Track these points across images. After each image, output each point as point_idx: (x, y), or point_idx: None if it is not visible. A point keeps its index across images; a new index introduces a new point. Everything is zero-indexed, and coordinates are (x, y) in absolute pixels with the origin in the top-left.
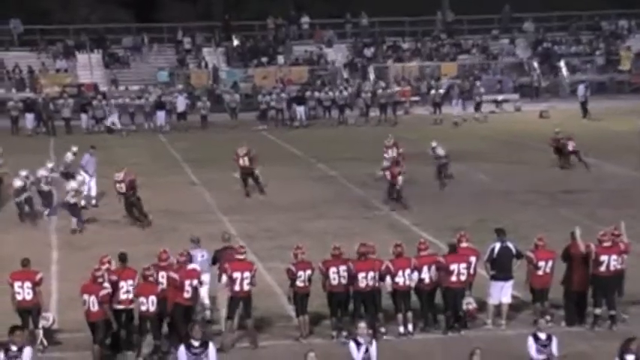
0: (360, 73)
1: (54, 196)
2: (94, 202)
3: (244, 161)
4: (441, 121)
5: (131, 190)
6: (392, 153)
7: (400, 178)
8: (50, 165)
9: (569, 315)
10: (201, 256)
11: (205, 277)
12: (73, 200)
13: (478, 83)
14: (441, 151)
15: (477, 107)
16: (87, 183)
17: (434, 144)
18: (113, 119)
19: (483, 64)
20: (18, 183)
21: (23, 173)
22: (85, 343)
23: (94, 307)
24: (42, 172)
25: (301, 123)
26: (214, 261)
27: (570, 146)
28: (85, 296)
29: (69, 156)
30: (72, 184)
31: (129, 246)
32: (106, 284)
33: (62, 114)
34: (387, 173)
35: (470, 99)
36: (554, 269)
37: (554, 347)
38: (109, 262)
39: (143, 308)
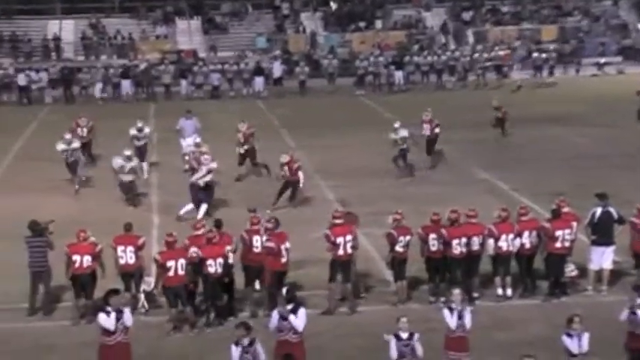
0: (458, 37)
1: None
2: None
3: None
4: (541, 85)
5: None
6: (426, 129)
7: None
8: (128, 152)
9: None
10: None
11: None
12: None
13: (534, 46)
14: (403, 133)
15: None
16: (182, 146)
17: (396, 125)
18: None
19: (585, 27)
20: (118, 162)
21: (127, 152)
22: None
23: (181, 272)
24: (119, 162)
25: (399, 88)
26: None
27: None
28: (171, 262)
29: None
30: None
31: (225, 210)
32: (193, 251)
33: (162, 80)
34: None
35: (571, 62)
36: None
37: None
38: (204, 227)
39: (211, 270)
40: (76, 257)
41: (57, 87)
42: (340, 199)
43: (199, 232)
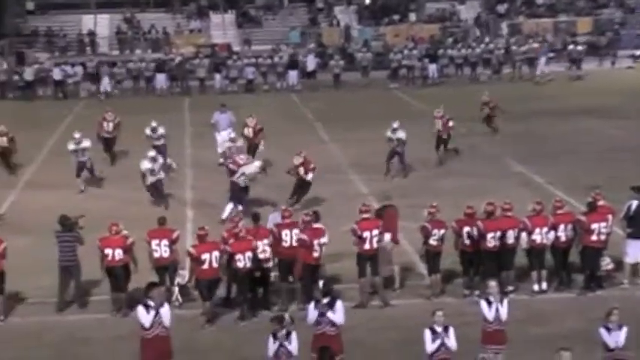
0: (492, 29)
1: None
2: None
3: (249, 132)
4: (578, 77)
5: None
6: (438, 125)
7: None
8: (152, 153)
9: None
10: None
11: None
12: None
13: (569, 39)
14: (401, 134)
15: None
16: (217, 140)
17: (395, 125)
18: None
19: (620, 19)
20: (146, 165)
21: (151, 154)
22: (215, 300)
23: (215, 265)
24: (147, 164)
25: (433, 81)
26: (376, 218)
27: None
28: (205, 255)
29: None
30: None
31: (259, 204)
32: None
33: (197, 74)
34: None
35: (607, 55)
36: None
37: None
38: (240, 221)
39: (240, 265)
40: (108, 251)
41: (93, 81)
42: (382, 191)
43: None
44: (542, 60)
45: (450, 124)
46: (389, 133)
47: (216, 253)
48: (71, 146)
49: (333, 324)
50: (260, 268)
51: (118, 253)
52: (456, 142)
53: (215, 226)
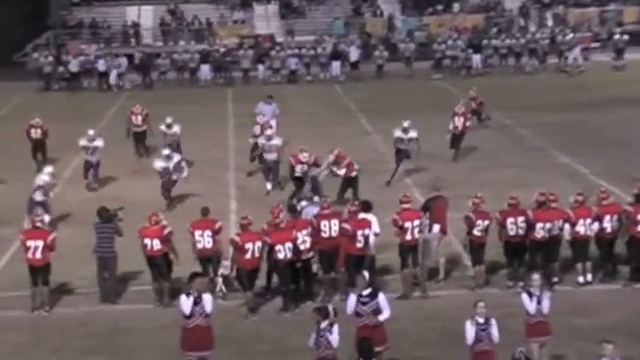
0: (537, 19)
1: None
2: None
3: None
4: (623, 67)
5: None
6: (457, 122)
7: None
8: (167, 152)
9: None
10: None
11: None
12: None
13: (615, 29)
14: (413, 134)
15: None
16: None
17: (406, 124)
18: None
19: None
20: (159, 164)
21: (165, 152)
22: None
23: (257, 254)
24: (160, 164)
25: (477, 71)
26: (425, 209)
27: None
28: (249, 244)
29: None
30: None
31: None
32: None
33: (241, 65)
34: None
35: None
36: None
37: None
38: (281, 212)
39: (280, 256)
40: (147, 241)
41: (139, 72)
42: (432, 181)
43: (277, 219)
44: (577, 50)
45: (468, 123)
46: (399, 133)
47: (258, 243)
48: (83, 142)
49: (375, 314)
50: (300, 259)
51: (156, 243)
52: (501, 132)
53: (258, 217)
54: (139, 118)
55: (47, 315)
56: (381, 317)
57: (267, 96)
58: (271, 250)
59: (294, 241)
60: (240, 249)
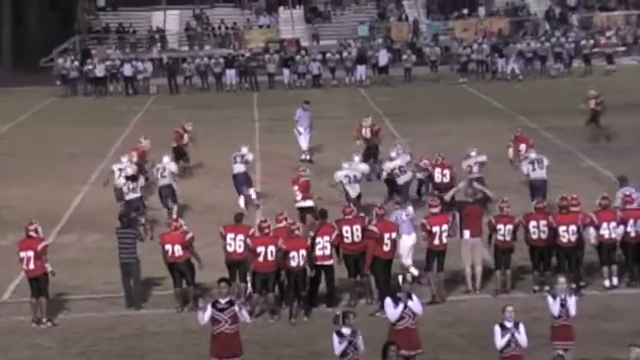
0: (562, 23)
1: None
2: (305, 156)
3: (366, 133)
4: None
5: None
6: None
7: None
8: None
9: None
10: (405, 215)
11: (408, 238)
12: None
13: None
14: (480, 158)
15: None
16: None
17: (473, 152)
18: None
19: None
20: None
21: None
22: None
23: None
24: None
25: (502, 75)
26: (458, 209)
27: None
28: (261, 248)
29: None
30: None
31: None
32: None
33: (267, 69)
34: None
35: None
36: None
37: None
38: (286, 220)
39: (293, 263)
40: (168, 246)
41: (167, 77)
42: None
43: (280, 225)
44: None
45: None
46: (471, 164)
47: (272, 248)
48: (115, 167)
49: (414, 316)
50: (314, 267)
51: (177, 249)
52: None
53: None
54: (186, 137)
55: (51, 326)
56: (413, 306)
57: (304, 102)
58: (285, 256)
59: (308, 249)
60: (252, 252)
